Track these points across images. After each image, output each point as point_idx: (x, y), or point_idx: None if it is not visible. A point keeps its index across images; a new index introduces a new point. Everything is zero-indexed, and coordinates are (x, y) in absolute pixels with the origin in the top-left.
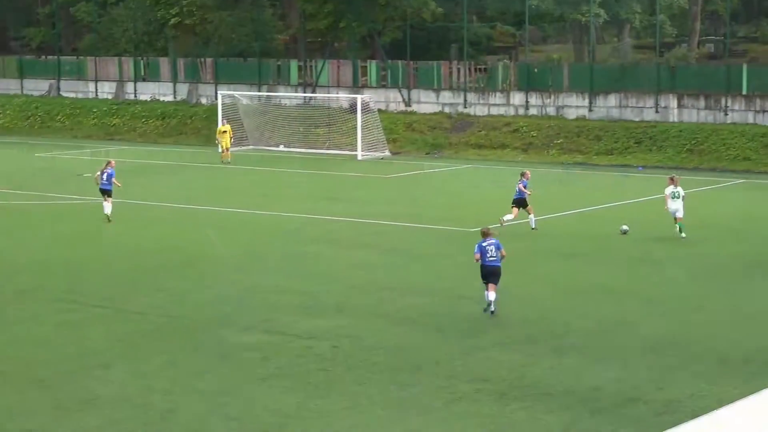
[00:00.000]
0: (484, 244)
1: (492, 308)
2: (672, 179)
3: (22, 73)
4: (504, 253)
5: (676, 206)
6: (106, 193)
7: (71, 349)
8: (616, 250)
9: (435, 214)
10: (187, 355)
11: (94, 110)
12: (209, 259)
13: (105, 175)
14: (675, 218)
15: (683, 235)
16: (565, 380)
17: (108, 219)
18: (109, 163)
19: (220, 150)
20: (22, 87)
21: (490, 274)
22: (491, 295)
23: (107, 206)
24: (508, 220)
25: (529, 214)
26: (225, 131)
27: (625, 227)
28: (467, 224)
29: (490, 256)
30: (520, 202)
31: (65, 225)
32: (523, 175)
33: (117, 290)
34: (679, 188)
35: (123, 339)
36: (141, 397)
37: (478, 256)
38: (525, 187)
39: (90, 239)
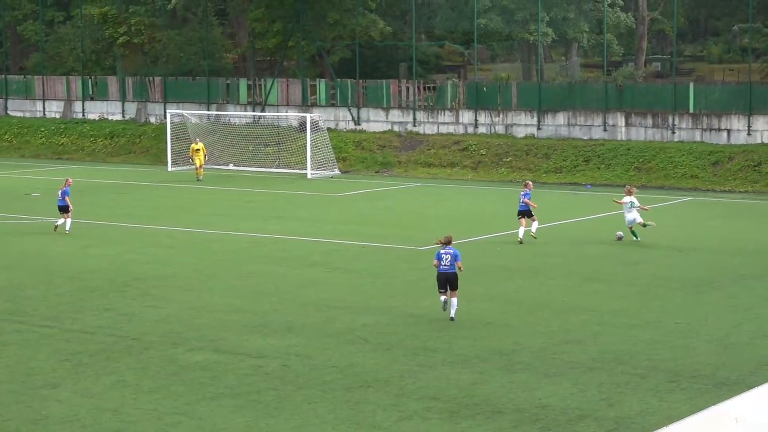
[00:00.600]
0: (442, 251)
1: (452, 314)
2: (628, 190)
3: None
4: (460, 265)
5: (633, 216)
6: (63, 210)
7: (17, 370)
8: (565, 268)
9: (385, 233)
10: (137, 375)
11: (42, 129)
12: (157, 278)
13: (60, 192)
14: (631, 227)
15: (638, 239)
16: (516, 398)
17: (65, 232)
18: (66, 181)
19: (194, 167)
20: None
21: (445, 280)
22: (452, 301)
23: (64, 222)
24: (534, 231)
25: (533, 222)
26: (198, 149)
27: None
28: (417, 242)
29: (444, 264)
30: (525, 213)
31: (10, 245)
32: (525, 185)
33: (62, 310)
34: (634, 198)
35: (70, 359)
36: (90, 417)
37: (436, 262)
38: (529, 198)
39: (35, 259)
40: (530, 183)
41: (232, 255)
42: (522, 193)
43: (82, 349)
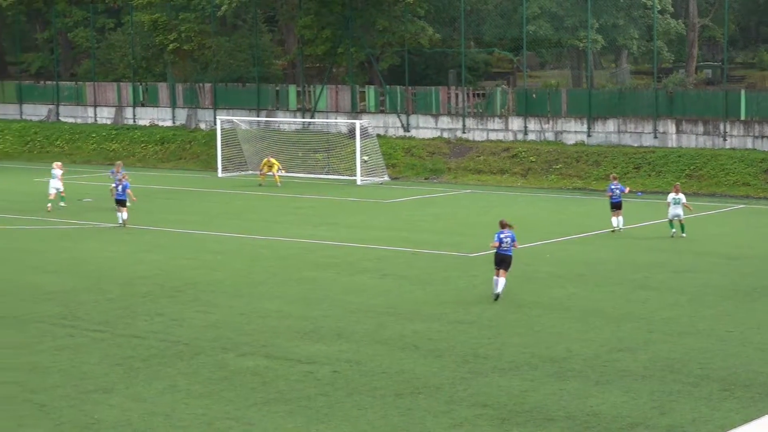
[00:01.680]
0: (501, 235)
1: (499, 290)
2: (676, 187)
3: (21, 99)
4: (517, 245)
5: (677, 211)
6: (120, 203)
7: (70, 374)
8: (616, 275)
9: (434, 239)
10: (188, 380)
11: (93, 135)
12: (208, 284)
13: (120, 186)
14: (674, 222)
15: (684, 234)
16: (567, 406)
17: (124, 224)
18: (124, 176)
19: (272, 175)
20: (21, 112)
21: (501, 261)
22: (500, 282)
23: (122, 215)
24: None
25: (619, 216)
26: (272, 164)
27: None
28: (467, 249)
29: (505, 245)
30: (618, 205)
31: (63, 250)
32: (614, 178)
33: (114, 315)
34: (680, 195)
35: (122, 363)
36: (142, 421)
37: (495, 243)
38: (622, 191)
39: (87, 264)
40: (615, 176)
41: (282, 261)
42: (612, 185)
43: (133, 353)
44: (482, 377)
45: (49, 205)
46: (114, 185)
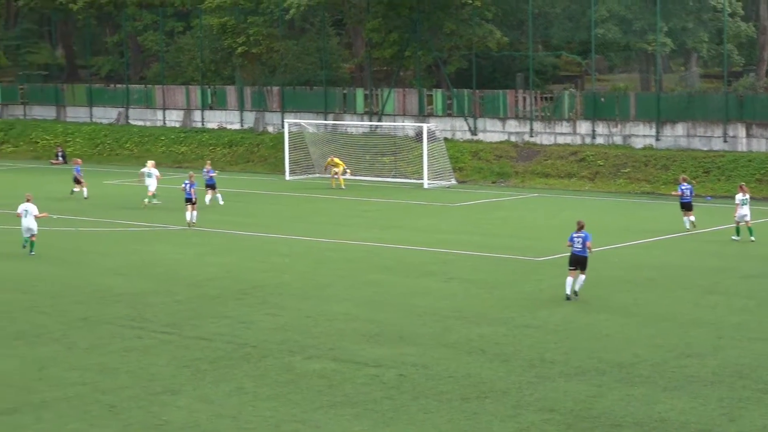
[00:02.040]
0: (574, 236)
1: (576, 288)
2: (741, 187)
3: (91, 102)
4: (590, 245)
5: (745, 212)
6: (189, 201)
7: (139, 376)
8: (684, 280)
9: (501, 243)
10: (255, 382)
11: (162, 138)
12: (276, 286)
13: (189, 185)
14: (742, 223)
15: (753, 238)
16: (635, 411)
17: (193, 224)
18: (191, 176)
19: (336, 176)
20: (91, 115)
21: (575, 262)
22: (577, 283)
23: (192, 214)
24: (692, 223)
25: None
26: (337, 164)
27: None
28: (534, 253)
29: (577, 246)
30: (688, 205)
31: (132, 253)
32: (683, 180)
33: (182, 317)
34: (747, 195)
35: (189, 365)
36: (210, 423)
37: (569, 244)
38: (692, 192)
39: (155, 266)
40: (685, 177)
41: (349, 264)
42: (682, 186)
43: (201, 355)
44: (549, 382)
45: (148, 201)
46: (185, 184)
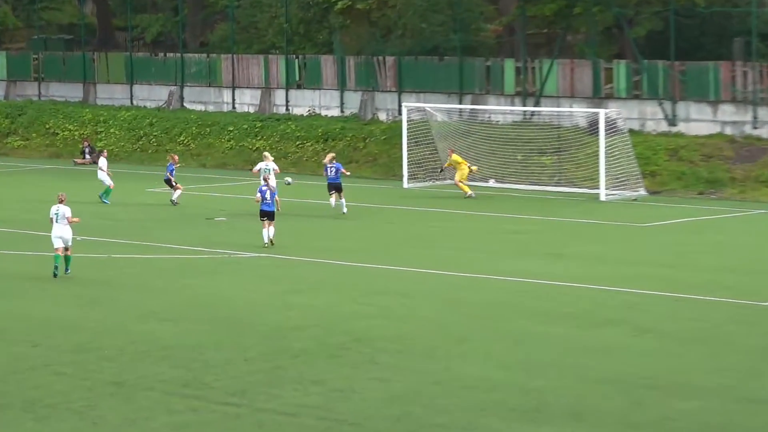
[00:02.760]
0: None
1: None
2: None
3: (131, 78)
4: None
5: None
6: (268, 216)
7: None
8: None
9: (710, 280)
10: None
11: (231, 129)
12: (388, 339)
13: (268, 193)
14: None
15: None
16: None
17: (271, 243)
18: (266, 178)
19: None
20: (131, 96)
21: None
22: None
23: (268, 231)
24: None
25: None
26: (460, 162)
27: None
28: (758, 295)
29: None
30: None
31: (184, 288)
32: None
33: (254, 381)
34: None
35: None
36: None
37: None
38: None
39: (217, 308)
40: None
41: (491, 308)
42: None
43: None
44: None
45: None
46: (261, 190)
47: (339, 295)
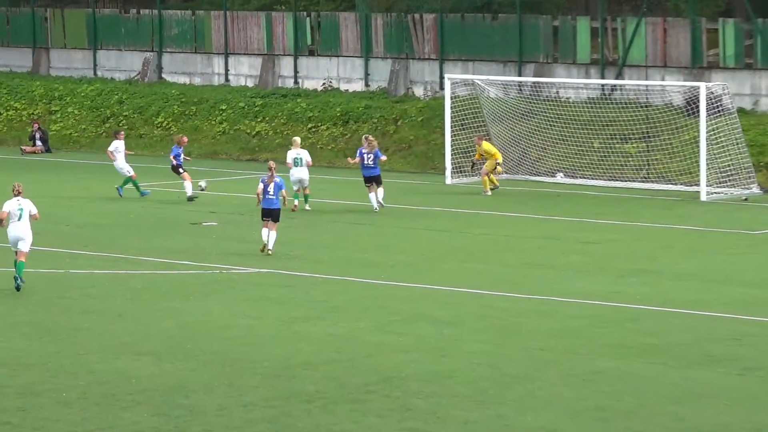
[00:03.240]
0: None
1: None
2: None
3: (95, 41)
4: None
5: None
6: (272, 215)
7: None
8: None
9: None
10: None
11: (223, 107)
12: (426, 378)
13: (272, 185)
14: None
15: None
16: None
17: (268, 252)
18: (270, 168)
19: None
20: (94, 65)
21: None
22: None
23: (269, 234)
24: None
25: None
26: (493, 154)
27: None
28: None
29: None
30: None
31: (167, 312)
32: None
33: None
34: None
35: None
36: None
37: None
38: None
39: (208, 339)
40: None
41: (558, 339)
42: None
43: None
44: None
45: (296, 203)
46: (262, 182)
47: (363, 322)
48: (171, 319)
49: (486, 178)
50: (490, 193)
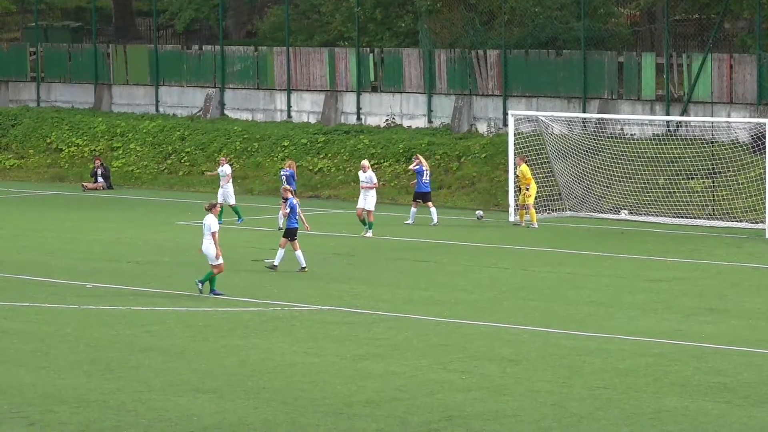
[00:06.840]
0: None
1: None
2: None
3: (157, 78)
4: None
5: None
6: (291, 234)
7: None
8: None
9: None
10: None
11: (285, 144)
12: (488, 417)
13: (289, 205)
14: None
15: None
16: None
17: (270, 266)
18: (285, 190)
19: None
20: (156, 101)
21: None
22: None
23: (294, 252)
24: None
25: None
26: (529, 180)
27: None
28: None
29: None
30: None
31: (230, 351)
32: None
33: None
34: None
35: None
36: None
37: None
38: None
39: (271, 377)
40: None
41: (623, 378)
42: None
43: None
44: None
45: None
46: (284, 207)
47: (425, 360)
48: (232, 357)
49: (525, 211)
50: (536, 225)
